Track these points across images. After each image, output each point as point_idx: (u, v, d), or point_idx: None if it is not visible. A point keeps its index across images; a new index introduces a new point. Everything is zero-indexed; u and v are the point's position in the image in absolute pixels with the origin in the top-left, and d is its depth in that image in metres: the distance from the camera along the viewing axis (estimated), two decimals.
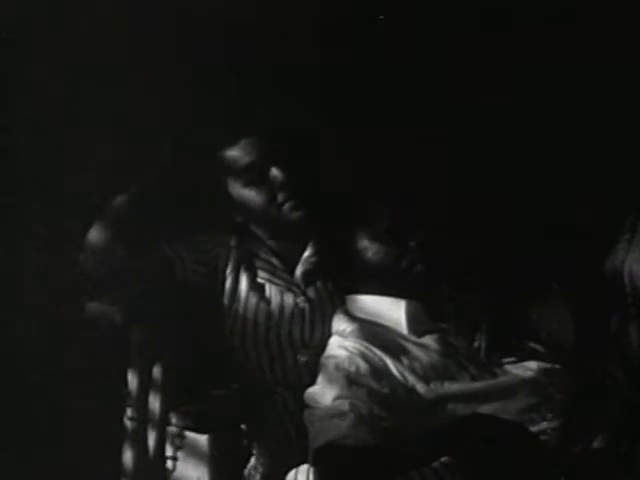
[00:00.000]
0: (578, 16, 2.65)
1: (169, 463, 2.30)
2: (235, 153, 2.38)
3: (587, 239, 2.49)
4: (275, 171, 2.35)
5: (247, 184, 2.38)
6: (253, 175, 2.37)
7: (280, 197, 2.36)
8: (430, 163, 2.66)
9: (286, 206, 2.37)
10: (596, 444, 2.13)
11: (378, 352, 2.28)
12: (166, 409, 2.33)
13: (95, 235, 2.32)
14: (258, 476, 2.26)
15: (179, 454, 2.29)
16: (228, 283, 2.39)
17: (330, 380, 2.24)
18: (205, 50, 2.65)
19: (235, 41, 2.67)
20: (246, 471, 2.27)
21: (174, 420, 2.31)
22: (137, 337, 2.33)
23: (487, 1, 2.72)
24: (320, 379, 2.27)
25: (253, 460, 2.28)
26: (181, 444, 2.29)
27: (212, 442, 2.26)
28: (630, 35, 2.62)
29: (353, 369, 2.24)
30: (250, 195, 2.38)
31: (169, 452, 2.30)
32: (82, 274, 2.33)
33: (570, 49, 2.66)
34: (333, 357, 2.29)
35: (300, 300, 2.40)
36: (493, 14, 2.70)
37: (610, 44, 2.62)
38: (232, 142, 2.38)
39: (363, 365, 2.25)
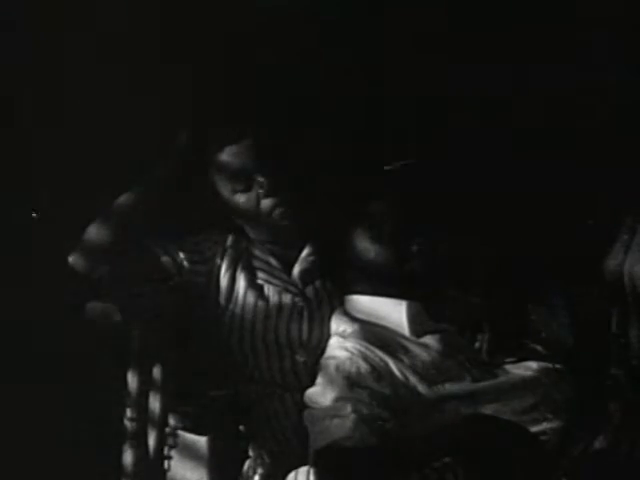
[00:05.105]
0: None
1: (165, 462, 2.31)
2: (227, 159, 2.38)
3: (586, 239, 2.49)
4: (260, 179, 2.35)
5: (236, 190, 2.38)
6: (241, 182, 2.37)
7: (266, 203, 2.36)
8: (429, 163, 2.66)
9: (275, 212, 2.37)
10: (596, 444, 2.14)
11: (379, 353, 2.28)
12: (166, 409, 2.33)
13: (93, 235, 2.32)
14: (257, 477, 2.26)
15: (175, 454, 2.30)
16: (225, 283, 2.39)
17: (331, 381, 2.24)
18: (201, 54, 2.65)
19: (229, 45, 2.67)
20: (244, 472, 2.27)
21: (173, 421, 2.31)
22: (137, 337, 2.33)
23: None
24: (320, 380, 2.27)
25: (251, 461, 2.28)
26: (174, 443, 2.30)
27: (211, 443, 2.26)
28: None
29: (354, 370, 2.24)
30: (239, 201, 2.38)
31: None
32: (81, 274, 2.34)
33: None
34: (333, 358, 2.29)
35: (298, 300, 2.39)
36: None
37: None
38: (224, 147, 2.38)
39: (364, 366, 2.25)
